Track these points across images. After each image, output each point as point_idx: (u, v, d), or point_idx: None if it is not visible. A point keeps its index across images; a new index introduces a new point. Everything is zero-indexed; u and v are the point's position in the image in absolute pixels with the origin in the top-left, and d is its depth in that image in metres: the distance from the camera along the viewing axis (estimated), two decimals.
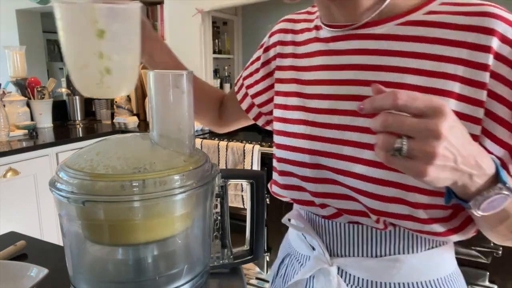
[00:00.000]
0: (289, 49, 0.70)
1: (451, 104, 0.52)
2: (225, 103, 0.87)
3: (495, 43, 0.51)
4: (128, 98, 2.85)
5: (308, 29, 0.68)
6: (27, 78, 2.62)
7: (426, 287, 0.59)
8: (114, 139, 0.55)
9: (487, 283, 1.56)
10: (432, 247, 0.59)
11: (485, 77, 0.51)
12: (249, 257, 0.61)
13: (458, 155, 0.41)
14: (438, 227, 0.54)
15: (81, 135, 2.36)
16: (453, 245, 0.63)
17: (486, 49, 0.51)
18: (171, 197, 0.46)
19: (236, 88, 0.83)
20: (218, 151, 2.12)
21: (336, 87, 0.60)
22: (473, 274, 1.58)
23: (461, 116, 0.52)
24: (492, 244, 1.52)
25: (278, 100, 0.70)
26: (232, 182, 0.59)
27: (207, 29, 2.60)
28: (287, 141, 0.65)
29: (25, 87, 2.56)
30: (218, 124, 0.89)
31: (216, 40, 2.77)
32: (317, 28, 0.66)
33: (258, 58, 0.78)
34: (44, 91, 2.56)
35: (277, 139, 0.68)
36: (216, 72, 2.89)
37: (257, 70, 0.77)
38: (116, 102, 2.80)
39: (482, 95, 0.52)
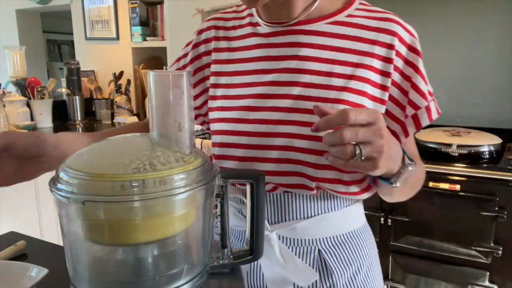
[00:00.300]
0: (223, 44, 0.77)
1: (369, 90, 0.66)
2: None
3: (396, 42, 0.66)
4: (128, 98, 2.85)
5: (241, 26, 0.77)
6: (27, 78, 2.63)
7: (346, 238, 0.72)
8: (115, 139, 0.55)
9: (487, 283, 1.56)
10: (349, 205, 0.73)
11: (390, 68, 0.66)
12: (249, 257, 0.61)
13: (391, 147, 0.54)
14: (355, 188, 0.67)
15: None
16: (362, 202, 0.77)
17: (391, 46, 0.66)
18: (171, 197, 0.46)
19: None
20: None
21: (275, 75, 0.69)
22: (473, 274, 1.58)
23: (374, 99, 0.66)
24: (492, 244, 1.52)
25: (218, 92, 0.75)
26: (232, 182, 0.59)
27: None
28: (226, 126, 0.72)
29: (25, 87, 2.56)
30: None
31: None
32: (252, 24, 0.75)
33: (185, 55, 0.83)
34: (44, 91, 2.56)
35: (216, 126, 0.74)
36: None
37: (184, 66, 0.82)
38: (116, 102, 2.81)
39: (388, 82, 0.67)
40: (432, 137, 1.73)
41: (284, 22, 0.70)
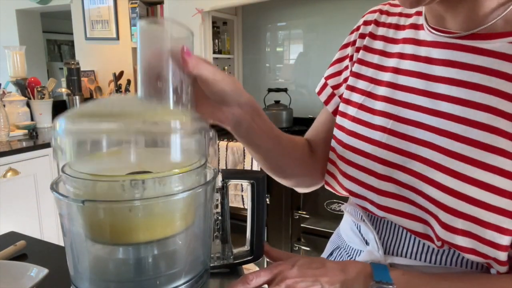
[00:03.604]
0: (379, 45, 0.63)
1: None
2: (317, 144, 0.73)
3: None
4: None
5: (404, 26, 0.61)
6: (27, 78, 2.62)
7: None
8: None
9: None
10: (483, 271, 0.54)
11: None
12: (249, 258, 0.61)
13: (319, 277, 0.50)
14: (500, 256, 0.49)
15: None
16: None
17: None
18: (171, 197, 0.46)
19: (321, 94, 0.72)
20: (218, 151, 2.12)
21: (427, 99, 0.54)
22: None
23: None
24: None
25: (360, 99, 0.62)
26: (232, 182, 0.59)
27: (207, 29, 2.60)
28: (362, 131, 0.60)
29: (25, 87, 2.56)
30: (315, 178, 0.73)
31: (216, 40, 2.77)
32: (416, 26, 0.59)
33: (347, 55, 0.69)
34: (44, 91, 2.56)
35: (349, 124, 0.62)
36: None
37: (346, 67, 0.69)
38: None
39: None
40: None
41: (454, 33, 0.53)
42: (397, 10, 0.64)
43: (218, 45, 2.80)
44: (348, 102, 0.64)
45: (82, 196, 0.45)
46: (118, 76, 2.87)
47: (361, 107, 0.62)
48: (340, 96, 0.68)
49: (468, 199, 0.48)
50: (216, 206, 0.58)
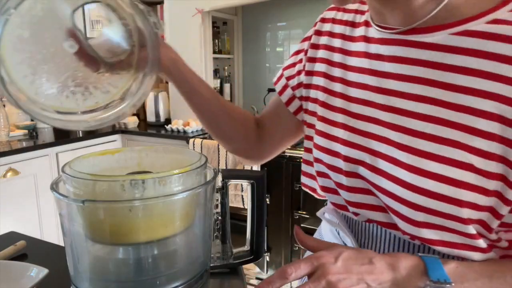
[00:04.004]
0: (337, 43, 0.63)
1: (496, 129, 0.45)
2: (263, 122, 0.77)
3: None
4: None
5: (359, 24, 0.61)
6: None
7: None
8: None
9: None
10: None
11: None
12: (249, 258, 0.61)
13: (364, 274, 0.45)
14: (477, 244, 0.49)
15: (81, 135, 2.36)
16: None
17: None
18: (171, 197, 0.46)
19: (277, 84, 0.74)
20: (218, 151, 2.12)
21: (379, 95, 0.55)
22: None
23: (508, 142, 0.45)
24: None
25: (323, 97, 0.63)
26: (232, 182, 0.59)
27: (207, 29, 2.60)
28: (325, 143, 0.61)
29: None
30: (256, 151, 0.78)
31: (216, 40, 2.77)
32: (367, 24, 0.59)
33: (303, 49, 0.70)
34: None
35: (316, 139, 0.63)
36: (216, 72, 2.89)
37: (300, 60, 0.70)
38: None
39: None
40: None
41: (396, 29, 0.53)
42: (354, 7, 0.64)
43: (218, 45, 2.80)
44: (315, 101, 0.65)
45: (82, 196, 0.46)
46: None
47: (323, 105, 0.63)
48: (293, 88, 0.71)
49: (426, 192, 0.48)
50: (216, 206, 0.58)
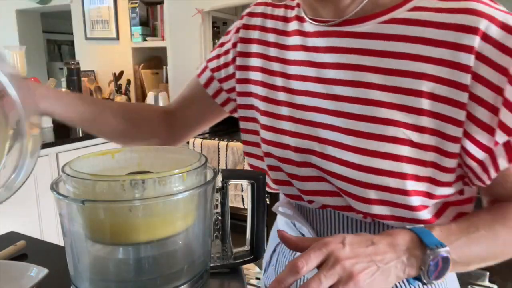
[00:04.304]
0: (271, 37, 0.65)
1: (426, 105, 0.51)
2: (177, 109, 0.79)
3: (476, 42, 0.48)
4: (128, 98, 2.85)
5: (291, 18, 0.64)
6: (27, 78, 2.62)
7: None
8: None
9: (487, 283, 1.56)
10: None
11: (467, 79, 0.49)
12: (249, 258, 0.61)
13: (372, 256, 0.45)
14: (421, 216, 0.54)
15: (81, 135, 2.36)
16: None
17: (468, 49, 0.48)
18: (171, 197, 0.46)
19: (201, 76, 0.75)
20: (218, 151, 2.12)
21: (319, 85, 0.58)
22: (473, 274, 1.57)
23: (439, 116, 0.51)
24: None
25: (263, 92, 0.65)
26: (232, 182, 0.59)
27: (207, 29, 2.60)
28: (273, 137, 0.63)
29: None
30: (168, 137, 0.80)
31: (216, 40, 2.77)
32: (299, 19, 0.62)
33: (229, 40, 0.72)
34: None
35: (263, 134, 0.65)
36: None
37: (226, 52, 0.71)
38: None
39: (463, 97, 0.49)
40: None
41: (330, 21, 0.57)
42: (283, 2, 0.65)
43: None
44: (254, 95, 0.67)
45: (82, 196, 0.46)
46: (118, 76, 2.88)
47: (265, 99, 0.65)
48: (220, 80, 0.72)
49: (373, 170, 0.53)
50: (216, 206, 0.58)
